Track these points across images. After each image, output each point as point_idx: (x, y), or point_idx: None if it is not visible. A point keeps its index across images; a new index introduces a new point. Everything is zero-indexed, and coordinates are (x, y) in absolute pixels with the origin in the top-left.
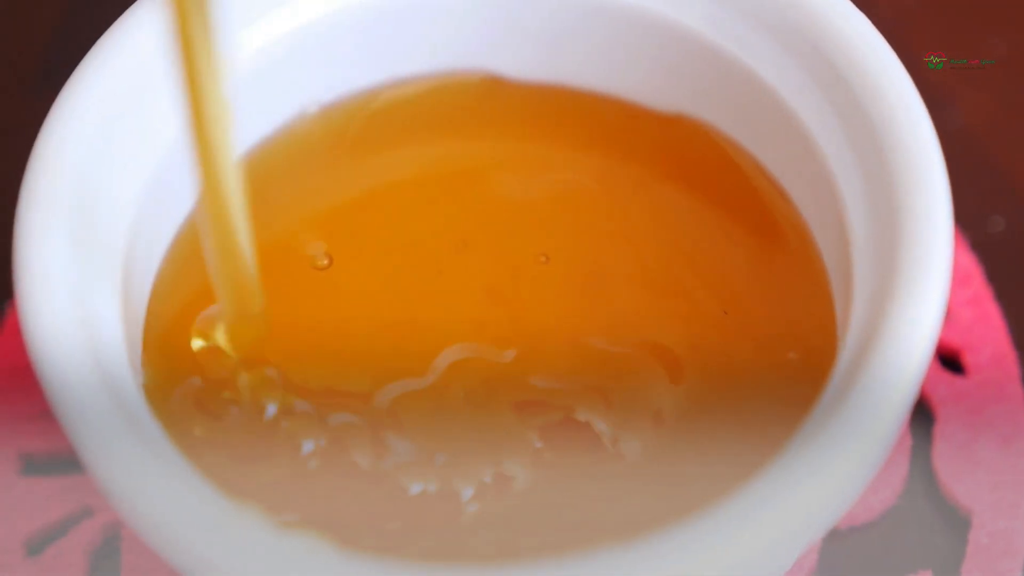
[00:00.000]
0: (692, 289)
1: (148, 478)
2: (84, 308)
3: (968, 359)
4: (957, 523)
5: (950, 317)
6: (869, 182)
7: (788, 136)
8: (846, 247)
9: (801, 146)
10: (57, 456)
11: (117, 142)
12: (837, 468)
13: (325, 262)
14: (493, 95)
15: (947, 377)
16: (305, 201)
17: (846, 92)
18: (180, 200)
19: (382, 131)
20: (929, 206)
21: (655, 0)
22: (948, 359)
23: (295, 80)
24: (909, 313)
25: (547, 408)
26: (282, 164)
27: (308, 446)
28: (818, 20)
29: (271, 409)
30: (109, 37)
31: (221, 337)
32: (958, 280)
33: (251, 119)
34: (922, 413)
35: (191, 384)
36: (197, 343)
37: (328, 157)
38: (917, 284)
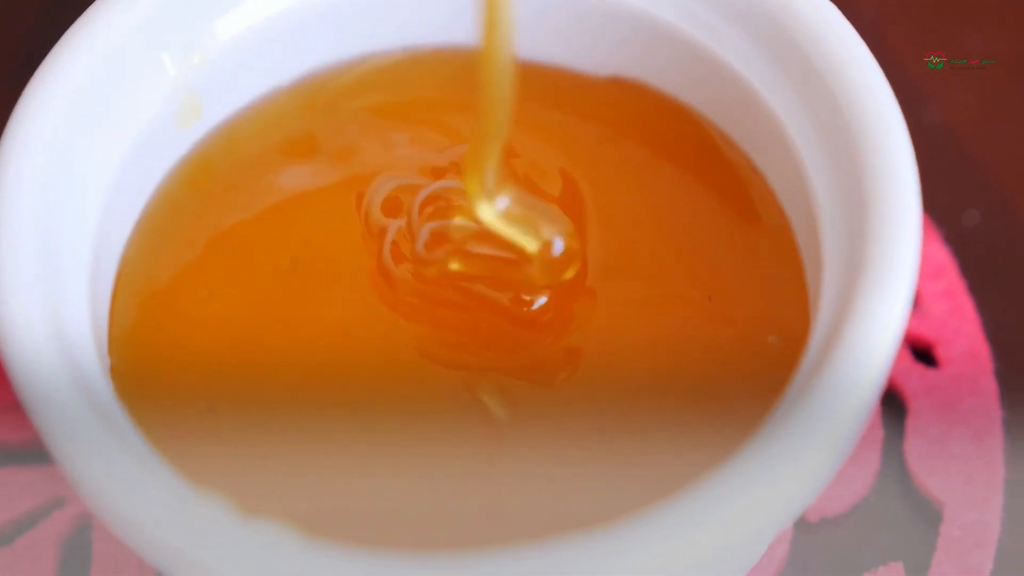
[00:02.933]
0: (674, 271)
1: (114, 467)
2: (51, 296)
3: (941, 352)
4: (929, 516)
5: (924, 310)
6: (836, 168)
7: (758, 119)
8: (815, 231)
9: (769, 129)
10: (30, 446)
11: (86, 131)
12: (804, 456)
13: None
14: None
15: (920, 370)
16: (274, 172)
17: (816, 82)
18: (149, 181)
19: (345, 104)
20: (896, 191)
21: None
22: (921, 352)
23: (272, 55)
24: (877, 299)
25: (512, 392)
26: (253, 134)
27: (276, 433)
28: (790, 12)
29: (240, 396)
30: (82, 24)
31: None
32: (932, 273)
33: (253, 80)
34: (894, 406)
35: (159, 368)
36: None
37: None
38: (885, 269)
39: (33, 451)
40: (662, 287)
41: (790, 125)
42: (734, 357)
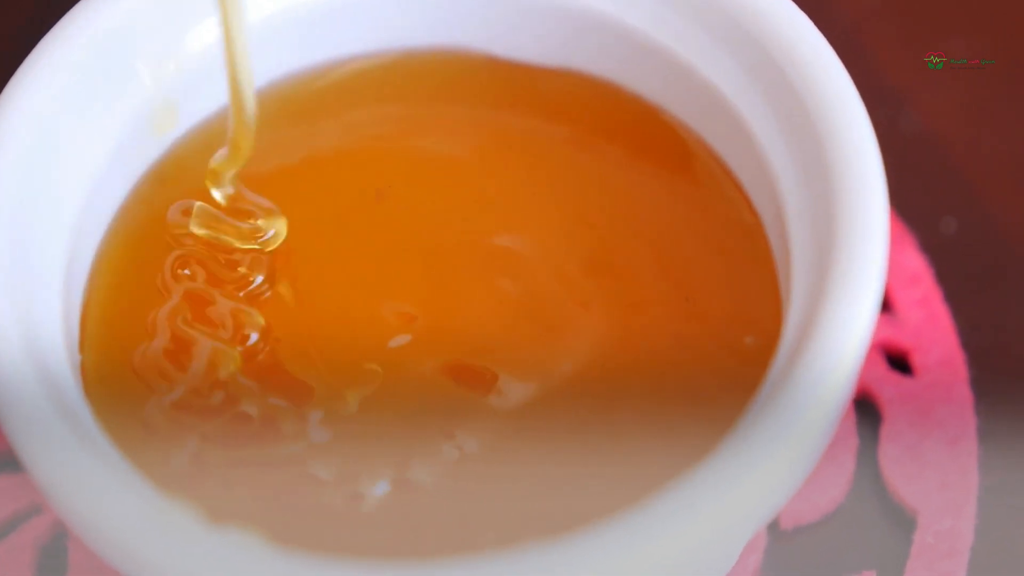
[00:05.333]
0: (651, 272)
1: (82, 474)
2: (21, 297)
3: (916, 360)
4: (903, 523)
5: (899, 318)
6: (803, 172)
7: (726, 120)
8: (785, 232)
9: (737, 130)
10: (6, 454)
11: (61, 139)
12: (776, 457)
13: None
14: (467, 71)
15: (895, 378)
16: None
17: (784, 87)
18: (124, 184)
19: (319, 108)
20: (862, 194)
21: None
22: (896, 360)
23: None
24: (844, 300)
25: (482, 396)
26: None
27: (245, 439)
28: (760, 20)
29: (210, 396)
30: (55, 34)
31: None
32: (908, 281)
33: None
34: (869, 413)
35: (129, 369)
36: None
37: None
38: (852, 271)
39: (9, 458)
40: (640, 288)
41: (757, 128)
42: (710, 357)
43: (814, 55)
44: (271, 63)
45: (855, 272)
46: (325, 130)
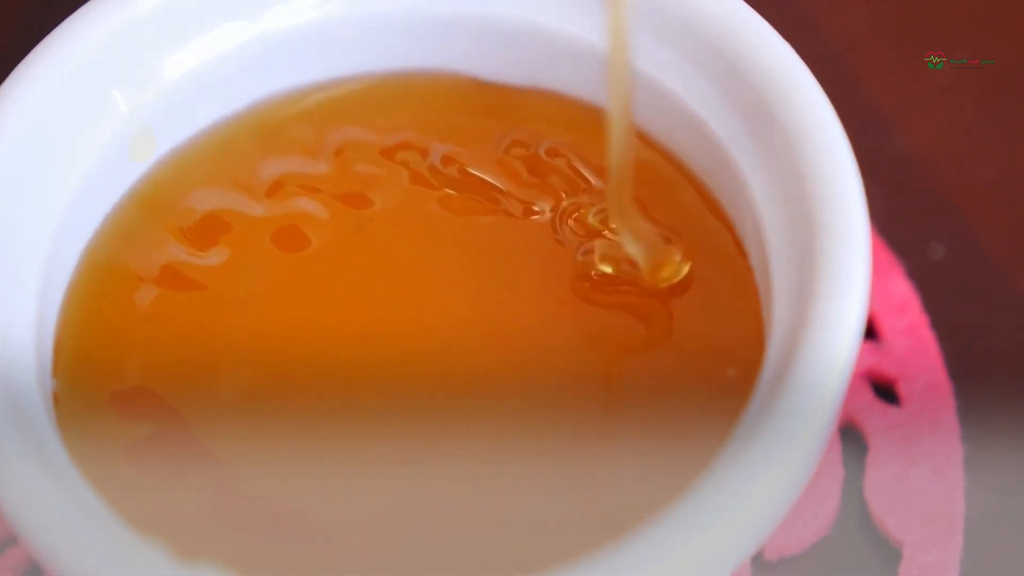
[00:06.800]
0: (631, 304)
1: (50, 507)
2: None
3: (903, 389)
4: (888, 555)
5: (886, 346)
6: (784, 202)
7: (711, 152)
8: (767, 261)
9: (721, 161)
10: None
11: (36, 167)
12: (757, 490)
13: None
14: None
15: (881, 407)
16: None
17: (766, 118)
18: (100, 210)
19: (293, 133)
20: (844, 219)
21: (582, 28)
22: (883, 388)
23: (225, 88)
24: (826, 327)
25: (461, 429)
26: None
27: (217, 475)
28: (745, 52)
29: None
30: (30, 63)
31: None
32: (895, 309)
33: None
34: (855, 443)
35: (101, 396)
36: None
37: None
38: (833, 296)
39: None
40: (621, 319)
41: (739, 156)
42: (692, 389)
43: (794, 84)
44: (253, 85)
45: (836, 301)
46: (305, 153)
